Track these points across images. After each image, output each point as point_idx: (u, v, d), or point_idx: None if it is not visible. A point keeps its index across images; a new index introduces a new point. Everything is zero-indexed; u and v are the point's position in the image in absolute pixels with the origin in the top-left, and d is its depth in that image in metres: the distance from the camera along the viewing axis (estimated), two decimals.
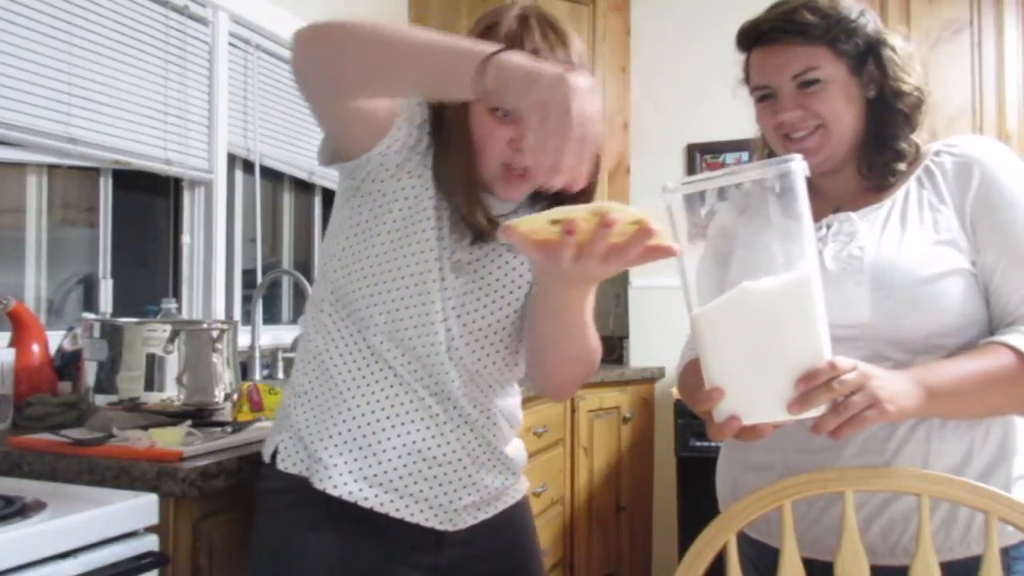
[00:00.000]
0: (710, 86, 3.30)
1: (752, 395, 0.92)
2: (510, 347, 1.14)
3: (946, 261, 1.04)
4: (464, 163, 1.05)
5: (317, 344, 1.12)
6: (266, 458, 1.14)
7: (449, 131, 1.06)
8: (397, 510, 1.08)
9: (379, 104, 1.02)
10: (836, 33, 1.10)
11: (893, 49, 1.12)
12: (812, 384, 0.88)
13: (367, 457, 1.08)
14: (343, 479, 1.07)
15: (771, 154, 1.23)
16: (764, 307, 0.90)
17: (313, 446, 1.09)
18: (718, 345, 0.93)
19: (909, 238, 1.07)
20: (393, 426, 1.08)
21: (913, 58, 1.14)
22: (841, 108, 1.11)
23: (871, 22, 1.13)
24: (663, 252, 0.84)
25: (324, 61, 0.98)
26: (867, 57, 1.12)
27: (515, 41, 1.01)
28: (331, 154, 1.09)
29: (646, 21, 3.45)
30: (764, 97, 1.16)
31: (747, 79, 1.20)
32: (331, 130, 1.08)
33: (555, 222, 0.80)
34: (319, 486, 1.07)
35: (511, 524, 1.20)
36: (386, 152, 1.04)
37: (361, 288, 1.08)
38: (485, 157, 1.05)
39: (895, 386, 0.93)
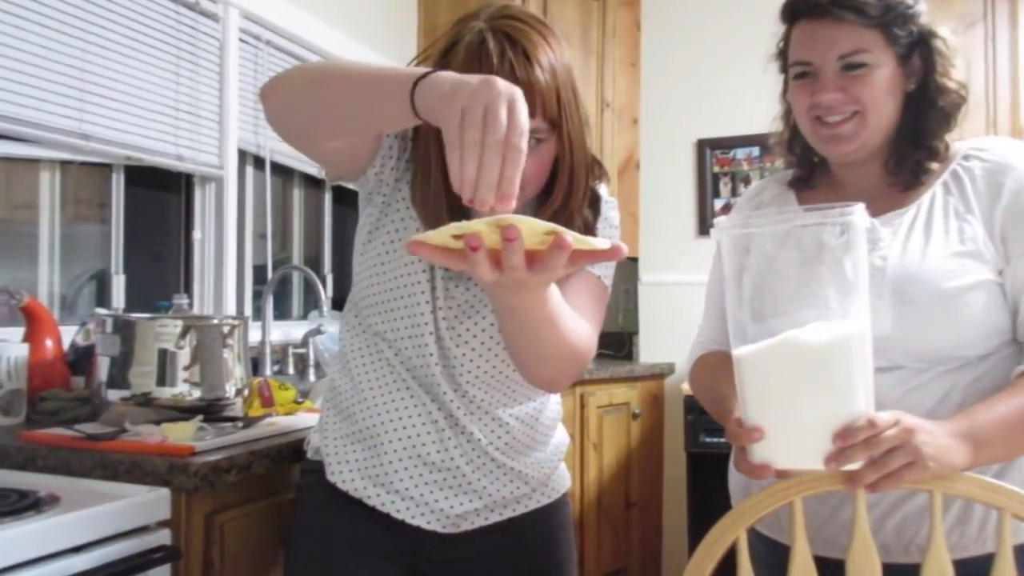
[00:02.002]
0: (721, 81, 3.30)
1: (789, 443, 0.91)
2: (504, 357, 1.10)
3: (970, 273, 1.02)
4: (439, 181, 1.00)
5: (345, 343, 1.18)
6: (304, 445, 1.24)
7: (417, 150, 1.05)
8: (398, 511, 1.10)
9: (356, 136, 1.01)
10: (892, 17, 1.05)
11: (944, 41, 1.08)
12: (849, 441, 0.87)
13: (373, 456, 1.11)
14: (350, 475, 1.12)
15: (794, 149, 1.20)
16: (811, 358, 0.88)
17: (328, 439, 1.15)
18: (759, 389, 0.91)
19: (933, 249, 1.04)
20: (395, 429, 1.10)
21: (958, 53, 1.09)
22: (882, 97, 1.06)
23: (924, 12, 1.08)
24: (604, 254, 0.75)
25: (282, 116, 1.01)
26: (915, 48, 1.07)
27: (473, 64, 0.95)
28: (333, 177, 1.13)
29: (656, 16, 3.44)
30: (802, 74, 1.10)
31: (781, 55, 1.15)
32: (321, 165, 1.13)
33: (458, 237, 0.73)
34: (329, 478, 1.13)
35: (536, 527, 1.19)
36: (380, 171, 1.07)
37: (369, 296, 1.12)
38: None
39: (940, 442, 0.91)
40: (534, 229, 0.73)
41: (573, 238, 0.72)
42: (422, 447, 1.10)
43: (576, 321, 0.98)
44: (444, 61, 1.00)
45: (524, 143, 0.73)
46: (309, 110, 0.95)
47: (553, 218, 0.98)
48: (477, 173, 0.72)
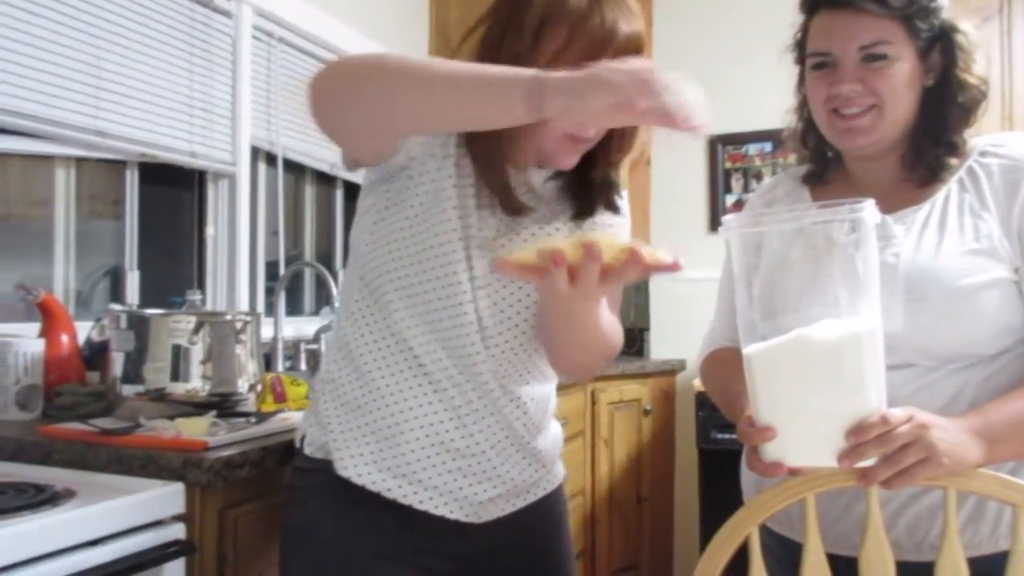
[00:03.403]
0: (733, 76, 3.28)
1: (801, 441, 0.91)
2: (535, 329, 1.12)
3: (984, 271, 1.01)
4: (510, 140, 1.01)
5: (346, 331, 1.12)
6: (296, 443, 1.17)
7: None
8: (420, 502, 1.08)
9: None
10: (915, 10, 1.04)
11: (966, 36, 1.07)
12: (862, 438, 0.87)
13: (390, 448, 1.08)
14: (367, 468, 1.07)
15: (808, 143, 1.19)
16: (821, 355, 0.88)
17: (334, 433, 1.10)
18: (769, 387, 0.91)
19: (947, 247, 1.03)
20: (416, 417, 1.07)
21: (979, 48, 1.08)
22: (901, 90, 1.05)
23: (946, 6, 1.06)
24: (667, 267, 0.84)
25: (344, 113, 0.97)
26: (936, 42, 1.06)
27: (588, 16, 0.97)
28: (355, 164, 1.11)
29: (668, 11, 3.42)
30: (820, 65, 1.09)
31: (798, 45, 1.14)
32: (353, 157, 1.09)
33: (542, 253, 0.82)
34: (342, 473, 1.08)
35: (543, 514, 1.19)
36: (410, 149, 1.04)
37: (387, 272, 1.07)
38: (545, 131, 1.00)
39: (955, 438, 0.90)
40: (612, 246, 0.82)
41: (647, 253, 0.82)
42: (445, 434, 1.07)
43: (611, 318, 1.06)
44: (544, 17, 0.98)
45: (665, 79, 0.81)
46: (386, 111, 0.93)
47: (600, 170, 1.08)
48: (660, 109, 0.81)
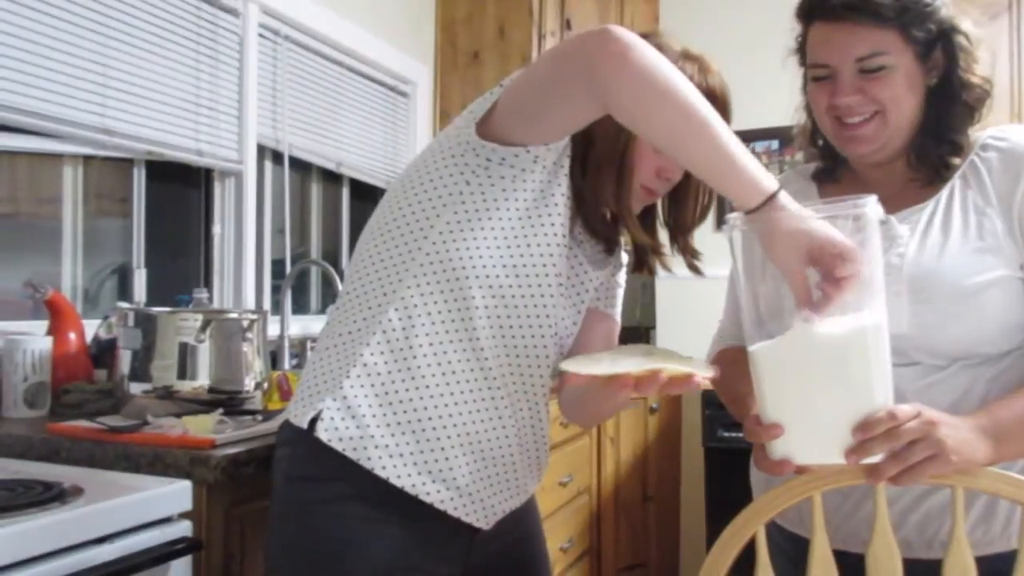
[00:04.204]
0: (739, 73, 3.25)
1: (808, 438, 0.90)
2: (564, 350, 1.17)
3: (989, 270, 1.00)
4: (618, 180, 1.09)
5: (391, 317, 1.01)
6: (302, 423, 1.01)
7: (604, 149, 1.08)
8: (455, 509, 1.03)
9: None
10: (910, 17, 1.02)
11: (966, 36, 1.05)
12: (869, 434, 0.86)
13: (432, 450, 1.01)
14: (406, 469, 1.00)
15: (817, 141, 1.19)
16: (826, 351, 0.87)
17: (371, 428, 0.99)
18: (775, 384, 0.90)
19: (951, 246, 1.02)
20: (465, 422, 1.02)
21: (982, 45, 1.06)
22: (902, 96, 1.04)
23: (945, 5, 1.05)
24: (696, 385, 0.92)
25: (624, 85, 0.92)
26: (936, 43, 1.04)
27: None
28: (495, 129, 1.02)
29: (674, 9, 3.42)
30: (820, 77, 1.08)
31: (800, 51, 1.13)
32: (544, 119, 1.01)
33: (611, 377, 0.90)
34: (367, 464, 0.98)
35: (528, 513, 1.21)
36: (543, 155, 1.02)
37: (477, 267, 1.01)
38: (632, 173, 1.09)
39: (963, 436, 0.90)
40: (678, 370, 0.90)
41: (700, 379, 0.92)
42: (485, 441, 1.04)
43: None
44: None
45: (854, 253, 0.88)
46: (663, 113, 0.92)
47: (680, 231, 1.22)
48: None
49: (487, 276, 1.01)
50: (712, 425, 2.82)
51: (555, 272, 1.05)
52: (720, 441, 2.80)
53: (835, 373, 0.88)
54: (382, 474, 0.98)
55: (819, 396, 0.89)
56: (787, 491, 0.97)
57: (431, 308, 1.01)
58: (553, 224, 1.04)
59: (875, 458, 0.88)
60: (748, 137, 3.23)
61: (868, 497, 1.01)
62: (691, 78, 0.98)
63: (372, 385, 1.01)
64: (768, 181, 0.90)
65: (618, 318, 1.25)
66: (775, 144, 3.22)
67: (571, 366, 0.90)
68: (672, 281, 3.35)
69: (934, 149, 1.07)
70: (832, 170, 1.20)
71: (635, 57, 0.91)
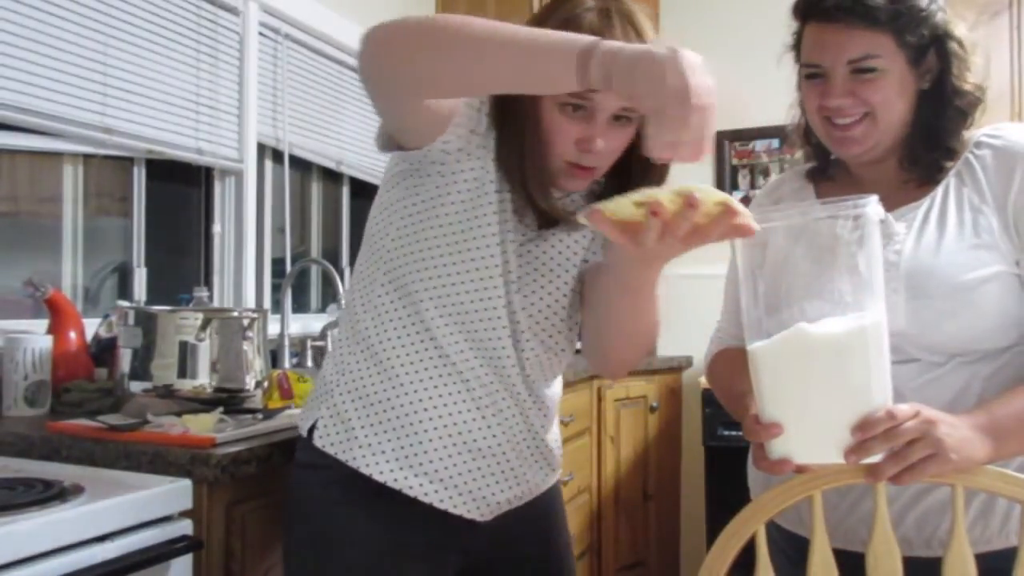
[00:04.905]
0: (740, 72, 3.26)
1: (807, 437, 0.90)
2: (564, 331, 1.13)
3: (985, 266, 1.00)
4: (533, 153, 1.03)
5: (367, 325, 1.09)
6: (303, 432, 1.13)
7: (516, 121, 1.03)
8: (441, 500, 1.07)
9: (446, 100, 1.00)
10: (903, 22, 1.02)
11: (959, 43, 1.05)
12: (868, 434, 0.86)
13: (412, 445, 1.06)
14: (388, 465, 1.06)
15: (811, 138, 1.18)
16: (825, 350, 0.87)
17: (355, 430, 1.07)
18: (774, 383, 0.91)
19: (947, 243, 1.02)
20: (440, 416, 1.06)
21: (977, 50, 1.06)
22: (893, 99, 1.04)
23: (939, 10, 1.05)
24: (744, 230, 0.83)
25: (405, 62, 0.94)
26: (929, 49, 1.04)
27: (599, 33, 0.96)
28: (389, 141, 1.07)
29: (675, 8, 3.41)
30: (813, 76, 1.09)
31: (796, 48, 1.13)
32: (395, 126, 1.05)
33: (639, 204, 0.81)
34: (364, 470, 1.06)
35: (544, 509, 1.20)
36: (448, 139, 1.02)
37: (420, 271, 1.06)
38: (551, 152, 1.03)
39: (962, 434, 0.90)
40: (709, 198, 0.80)
41: (741, 210, 0.81)
42: (468, 433, 1.07)
43: (659, 306, 1.07)
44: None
45: (712, 104, 0.80)
46: (452, 59, 0.90)
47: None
48: (683, 135, 0.78)
49: (430, 278, 1.05)
50: (712, 424, 2.82)
51: (500, 261, 1.04)
52: (720, 440, 2.80)
53: (834, 373, 0.88)
54: (366, 471, 1.06)
55: (818, 396, 0.89)
56: (786, 490, 0.97)
57: (392, 314, 1.08)
58: (486, 214, 1.04)
59: (874, 458, 0.88)
60: (747, 136, 3.26)
61: (866, 496, 1.01)
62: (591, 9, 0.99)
63: (356, 389, 1.09)
64: (584, 36, 0.85)
65: None
66: (775, 143, 3.22)
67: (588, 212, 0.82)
68: (672, 280, 3.34)
69: (926, 153, 1.07)
70: (826, 168, 1.20)
71: (380, 45, 0.94)
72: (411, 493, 1.06)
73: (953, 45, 1.05)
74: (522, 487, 1.13)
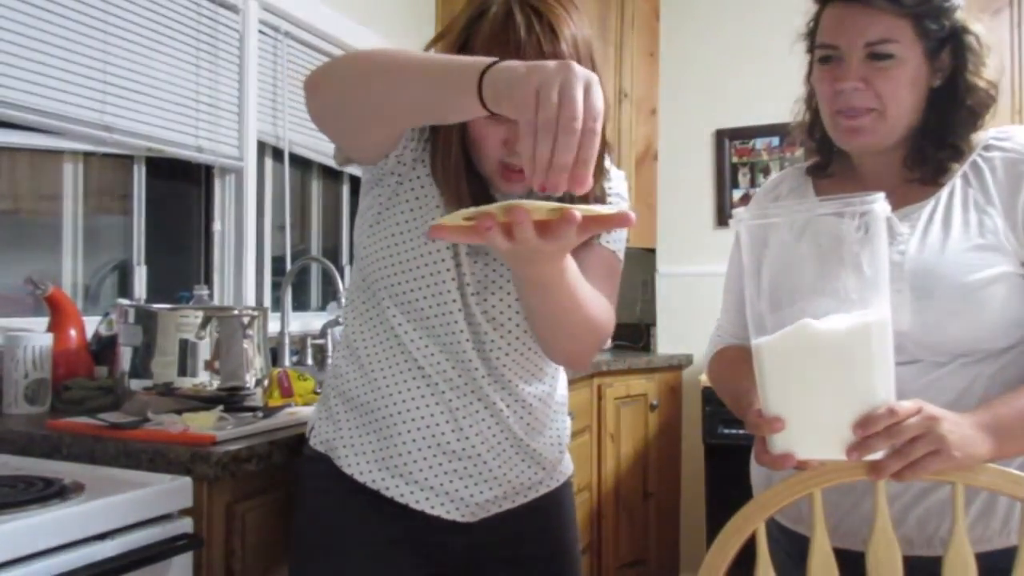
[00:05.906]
0: (740, 71, 3.27)
1: (810, 433, 0.90)
2: (530, 330, 1.11)
3: (990, 267, 1.00)
4: (459, 158, 1.03)
5: (351, 327, 1.15)
6: (306, 433, 1.21)
7: (447, 131, 1.03)
8: (417, 501, 1.10)
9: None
10: (927, 9, 1.02)
11: (977, 39, 1.05)
12: (871, 430, 0.86)
13: (389, 447, 1.10)
14: (368, 466, 1.11)
15: (815, 134, 1.18)
16: (829, 346, 0.87)
17: (341, 430, 1.13)
18: (778, 378, 0.91)
19: (952, 243, 1.02)
20: (413, 419, 1.09)
21: (992, 49, 1.06)
22: (904, 92, 1.04)
23: (960, 6, 1.05)
24: (616, 221, 0.77)
25: (334, 107, 0.97)
26: (947, 43, 1.04)
27: (499, 37, 0.97)
28: (346, 160, 1.13)
29: (675, 5, 3.41)
30: (827, 58, 1.08)
31: (810, 35, 1.13)
32: (348, 152, 1.09)
33: (470, 219, 0.78)
34: (338, 463, 1.12)
35: (543, 510, 1.20)
36: (401, 153, 1.06)
37: (383, 277, 1.09)
38: (482, 156, 1.03)
39: (965, 432, 0.90)
40: (541, 209, 0.76)
41: (579, 211, 0.75)
42: (441, 436, 1.09)
43: (595, 296, 1.01)
44: (468, 34, 1.00)
45: (599, 127, 0.72)
46: (365, 102, 0.93)
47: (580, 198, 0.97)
48: (551, 156, 0.70)
49: (393, 285, 1.08)
50: (712, 422, 2.82)
51: (452, 265, 1.05)
52: (721, 438, 2.80)
53: (838, 369, 0.88)
54: (348, 471, 1.11)
55: (821, 392, 0.89)
56: (787, 488, 0.98)
57: (367, 319, 1.12)
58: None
59: (876, 455, 0.88)
60: (747, 134, 3.26)
61: (867, 495, 1.01)
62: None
63: (344, 392, 1.14)
64: (484, 60, 0.80)
65: (612, 245, 1.12)
66: (775, 140, 3.21)
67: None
68: (672, 278, 3.35)
69: (934, 153, 1.06)
70: (827, 165, 1.20)
71: (312, 89, 0.98)
72: (388, 494, 1.10)
73: (971, 40, 1.05)
74: (504, 487, 1.13)
